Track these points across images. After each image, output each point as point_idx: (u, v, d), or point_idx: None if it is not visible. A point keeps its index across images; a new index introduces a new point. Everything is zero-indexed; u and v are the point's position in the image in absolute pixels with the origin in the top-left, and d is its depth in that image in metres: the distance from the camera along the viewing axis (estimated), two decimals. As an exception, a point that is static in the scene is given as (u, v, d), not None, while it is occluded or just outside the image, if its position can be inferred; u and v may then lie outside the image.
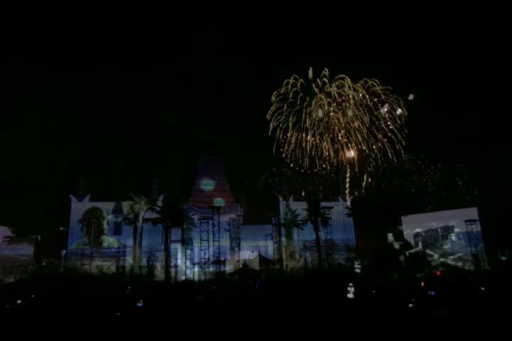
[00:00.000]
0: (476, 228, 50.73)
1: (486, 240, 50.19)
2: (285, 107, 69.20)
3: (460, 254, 53.65)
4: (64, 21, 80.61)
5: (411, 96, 61.44)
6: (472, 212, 53.39)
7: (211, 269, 50.73)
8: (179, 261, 51.60)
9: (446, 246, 55.90)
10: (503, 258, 47.30)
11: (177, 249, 51.58)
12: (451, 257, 54.22)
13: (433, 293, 22.03)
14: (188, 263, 51.59)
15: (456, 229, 55.13)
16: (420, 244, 57.25)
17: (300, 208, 54.36)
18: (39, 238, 52.54)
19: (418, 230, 58.39)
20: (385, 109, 62.04)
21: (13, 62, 65.31)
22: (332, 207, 54.32)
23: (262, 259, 50.38)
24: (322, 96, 68.51)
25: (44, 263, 48.34)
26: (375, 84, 65.03)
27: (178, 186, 61.39)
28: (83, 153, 57.51)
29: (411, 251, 55.86)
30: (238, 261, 52.02)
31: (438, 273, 32.54)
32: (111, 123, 72.37)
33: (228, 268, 51.07)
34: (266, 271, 45.87)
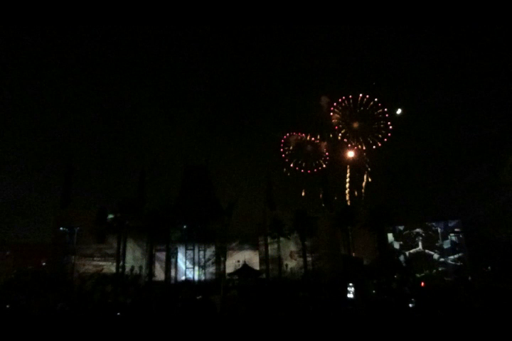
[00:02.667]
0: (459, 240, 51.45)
1: (471, 251, 50.61)
2: None
3: (461, 254, 53.64)
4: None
5: (399, 111, 60.92)
6: (456, 224, 53.74)
7: (211, 269, 50.84)
8: (179, 261, 51.59)
9: (447, 246, 55.82)
10: (488, 268, 47.57)
11: (177, 248, 51.49)
12: (451, 257, 54.19)
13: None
14: (188, 263, 51.61)
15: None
16: (420, 243, 57.19)
17: (287, 218, 52.82)
18: (19, 245, 52.44)
19: (418, 230, 58.30)
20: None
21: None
22: (318, 218, 53.62)
23: (248, 270, 49.31)
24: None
25: (44, 263, 48.37)
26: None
27: (164, 194, 60.35)
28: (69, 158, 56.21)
29: (411, 251, 55.84)
30: (238, 261, 51.97)
31: (422, 284, 32.41)
32: (95, 129, 71.85)
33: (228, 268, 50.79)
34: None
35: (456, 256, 53.62)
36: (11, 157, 65.88)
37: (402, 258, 54.08)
